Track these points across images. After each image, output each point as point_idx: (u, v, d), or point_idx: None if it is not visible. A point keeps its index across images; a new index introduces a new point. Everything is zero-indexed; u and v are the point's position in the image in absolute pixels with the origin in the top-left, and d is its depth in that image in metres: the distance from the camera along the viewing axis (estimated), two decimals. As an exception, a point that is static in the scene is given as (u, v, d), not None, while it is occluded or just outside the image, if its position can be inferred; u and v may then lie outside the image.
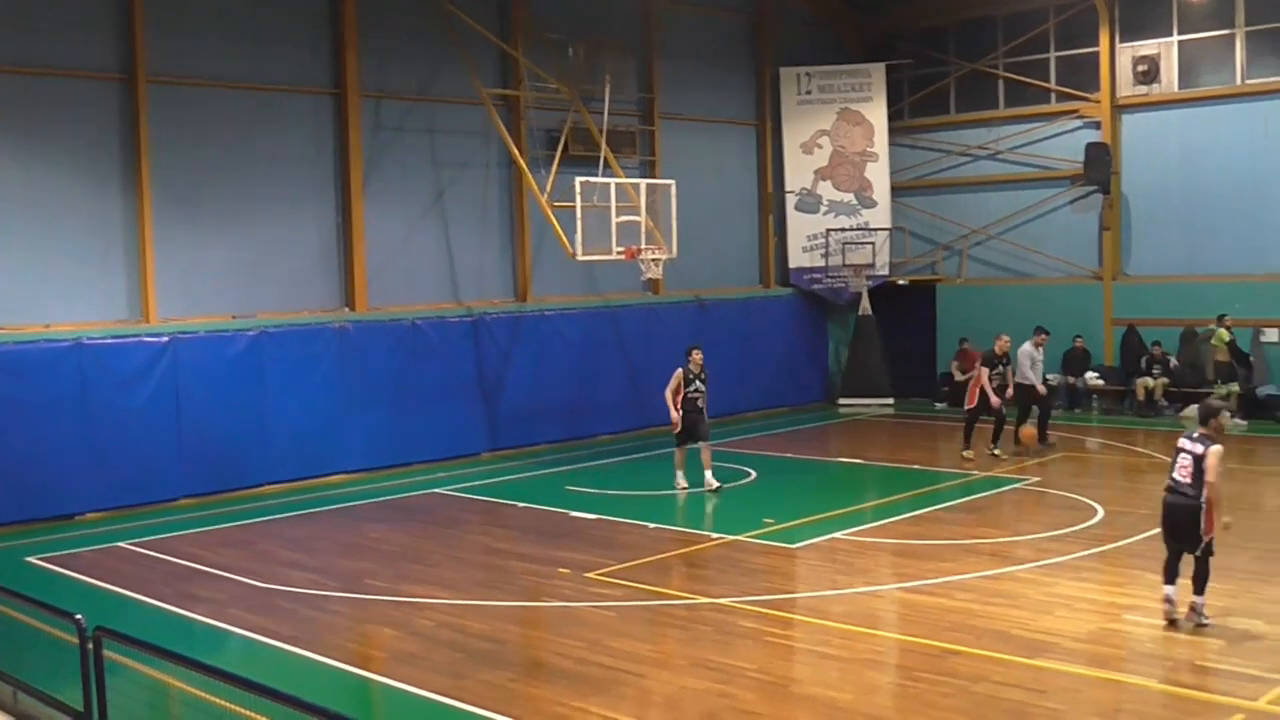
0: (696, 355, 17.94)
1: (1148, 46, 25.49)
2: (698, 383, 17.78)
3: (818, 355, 28.67)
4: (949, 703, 9.34)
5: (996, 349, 20.68)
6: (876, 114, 28.17)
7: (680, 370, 17.83)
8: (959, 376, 26.73)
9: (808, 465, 20.94)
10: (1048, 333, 21.46)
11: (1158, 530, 12.89)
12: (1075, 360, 25.85)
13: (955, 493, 17.57)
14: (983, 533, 14.91)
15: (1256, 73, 24.38)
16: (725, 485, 18.00)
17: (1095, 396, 25.79)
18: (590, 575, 13.34)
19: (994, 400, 20.16)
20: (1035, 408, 21.05)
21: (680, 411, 17.75)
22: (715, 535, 15.11)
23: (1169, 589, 11.06)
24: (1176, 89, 25.31)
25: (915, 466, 20.09)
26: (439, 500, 18.21)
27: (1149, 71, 25.40)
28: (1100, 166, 25.58)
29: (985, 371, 20.39)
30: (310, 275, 20.47)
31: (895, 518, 15.99)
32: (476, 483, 19.39)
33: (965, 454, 20.31)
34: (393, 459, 20.50)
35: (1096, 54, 26.02)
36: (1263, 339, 24.10)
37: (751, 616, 11.74)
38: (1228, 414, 11.01)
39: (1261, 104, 24.26)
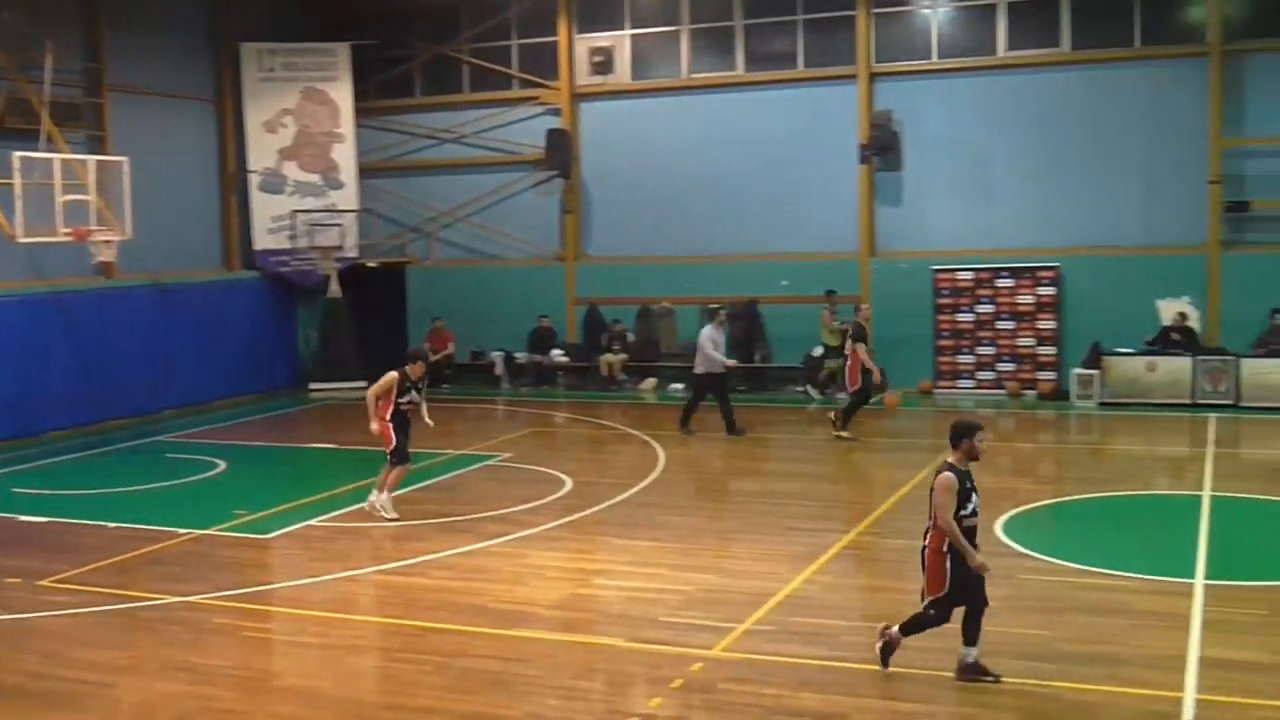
0: (420, 365, 15.22)
1: (603, 39, 26.77)
2: (414, 393, 14.97)
3: (286, 340, 27.97)
4: (430, 680, 9.39)
5: (861, 319, 20.02)
6: (342, 94, 27.81)
7: (395, 374, 14.81)
8: (432, 357, 27.02)
9: (279, 453, 20.43)
10: (724, 310, 21.14)
11: (625, 497, 13.59)
12: (541, 339, 26.77)
13: (429, 473, 17.69)
14: (457, 510, 15.11)
15: (700, 67, 26.23)
16: (195, 479, 17.22)
17: (560, 373, 26.80)
18: (44, 583, 12.31)
19: (876, 376, 19.60)
20: (709, 392, 20.30)
21: (386, 422, 14.74)
22: (183, 531, 14.37)
23: (966, 650, 9.08)
24: (630, 80, 26.77)
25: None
26: None
27: (604, 62, 26.69)
28: (561, 152, 26.61)
29: (862, 347, 19.49)
30: None
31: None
32: (-95, 489, 17.44)
33: (844, 434, 19.58)
34: None
35: (556, 44, 27.02)
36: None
37: (226, 612, 11.27)
38: (981, 433, 9.09)
39: (704, 97, 26.16)
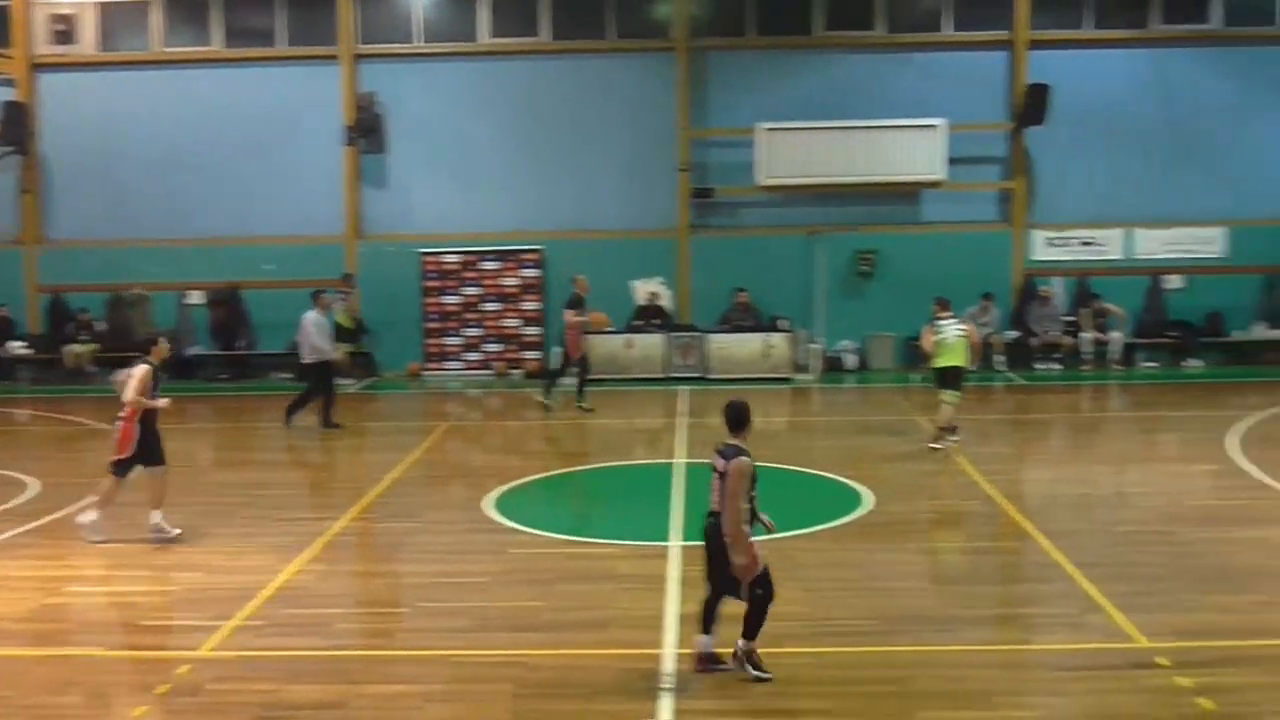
0: (163, 347, 12.94)
1: (65, 6, 25.02)
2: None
3: None
4: (-126, 712, 8.41)
5: (580, 291, 20.03)
6: None
7: (145, 368, 12.51)
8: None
9: None
10: (328, 294, 19.48)
11: (98, 497, 12.75)
12: (-1, 329, 24.77)
13: None
14: (-95, 521, 13.63)
15: (174, 41, 25.04)
16: None
17: (21, 366, 24.86)
18: None
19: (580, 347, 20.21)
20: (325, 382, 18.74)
21: (133, 424, 12.50)
22: None
23: (702, 639, 8.72)
24: (96, 51, 25.11)
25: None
26: None
27: (67, 31, 24.94)
28: (17, 126, 24.75)
29: (573, 314, 19.80)
30: None
31: None
32: None
33: (548, 402, 20.18)
34: None
35: (9, 8, 24.92)
36: (185, 301, 24.93)
37: None
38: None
39: (179, 72, 25.02)
